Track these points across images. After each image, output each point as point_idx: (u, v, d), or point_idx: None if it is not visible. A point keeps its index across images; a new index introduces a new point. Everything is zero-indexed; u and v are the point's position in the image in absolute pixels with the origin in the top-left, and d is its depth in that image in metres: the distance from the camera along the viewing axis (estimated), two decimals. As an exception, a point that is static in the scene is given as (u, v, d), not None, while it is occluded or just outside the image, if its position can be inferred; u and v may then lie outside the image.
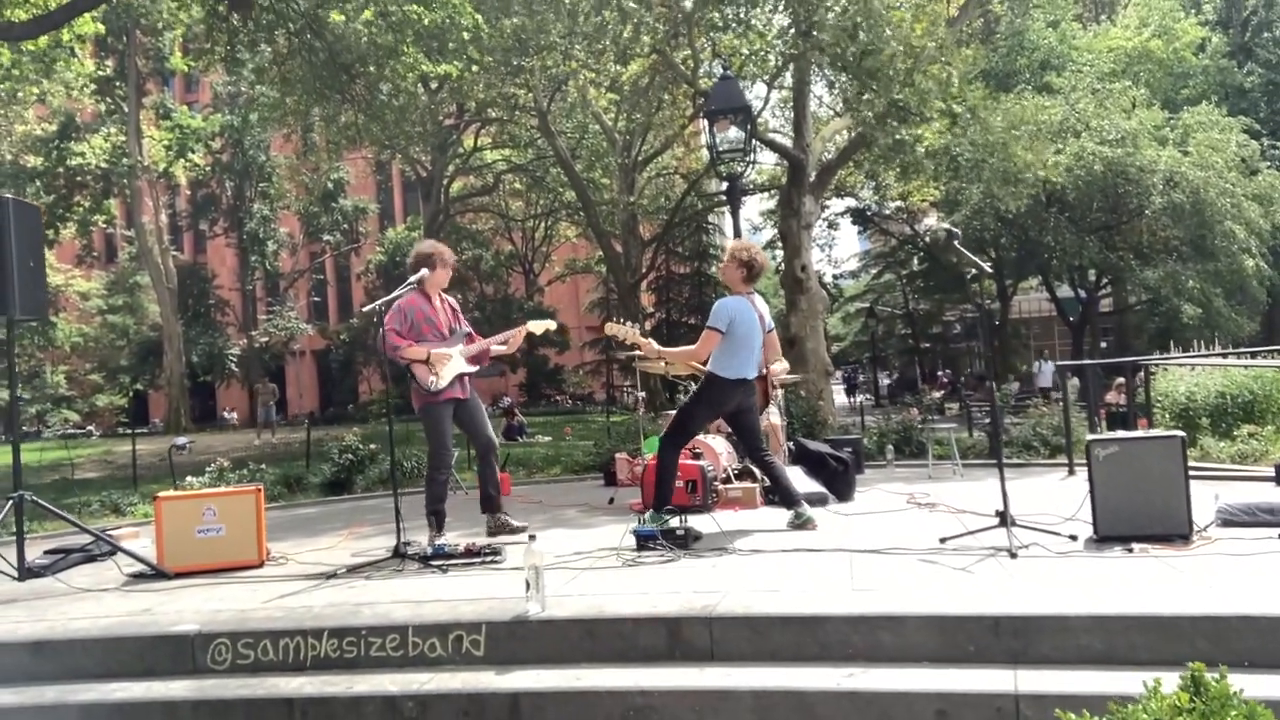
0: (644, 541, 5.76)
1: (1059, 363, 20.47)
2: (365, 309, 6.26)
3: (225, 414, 44.08)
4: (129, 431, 32.58)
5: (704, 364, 6.61)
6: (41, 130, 33.30)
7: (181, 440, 23.78)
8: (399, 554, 5.78)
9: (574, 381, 47.47)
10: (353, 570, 5.72)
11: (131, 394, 45.77)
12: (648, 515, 6.32)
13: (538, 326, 6.72)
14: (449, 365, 6.38)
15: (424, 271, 6.35)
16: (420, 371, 6.27)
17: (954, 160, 16.11)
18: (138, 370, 43.87)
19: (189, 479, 10.84)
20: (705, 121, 11.38)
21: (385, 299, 6.16)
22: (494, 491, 6.73)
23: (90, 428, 41.29)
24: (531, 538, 4.46)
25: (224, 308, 46.65)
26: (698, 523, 6.23)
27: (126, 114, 33.40)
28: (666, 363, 7.49)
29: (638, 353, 7.09)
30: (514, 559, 5.61)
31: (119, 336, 44.61)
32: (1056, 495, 7.10)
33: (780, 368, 7.47)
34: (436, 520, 6.45)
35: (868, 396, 41.60)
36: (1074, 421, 10.08)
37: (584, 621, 4.32)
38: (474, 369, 6.55)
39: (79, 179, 33.92)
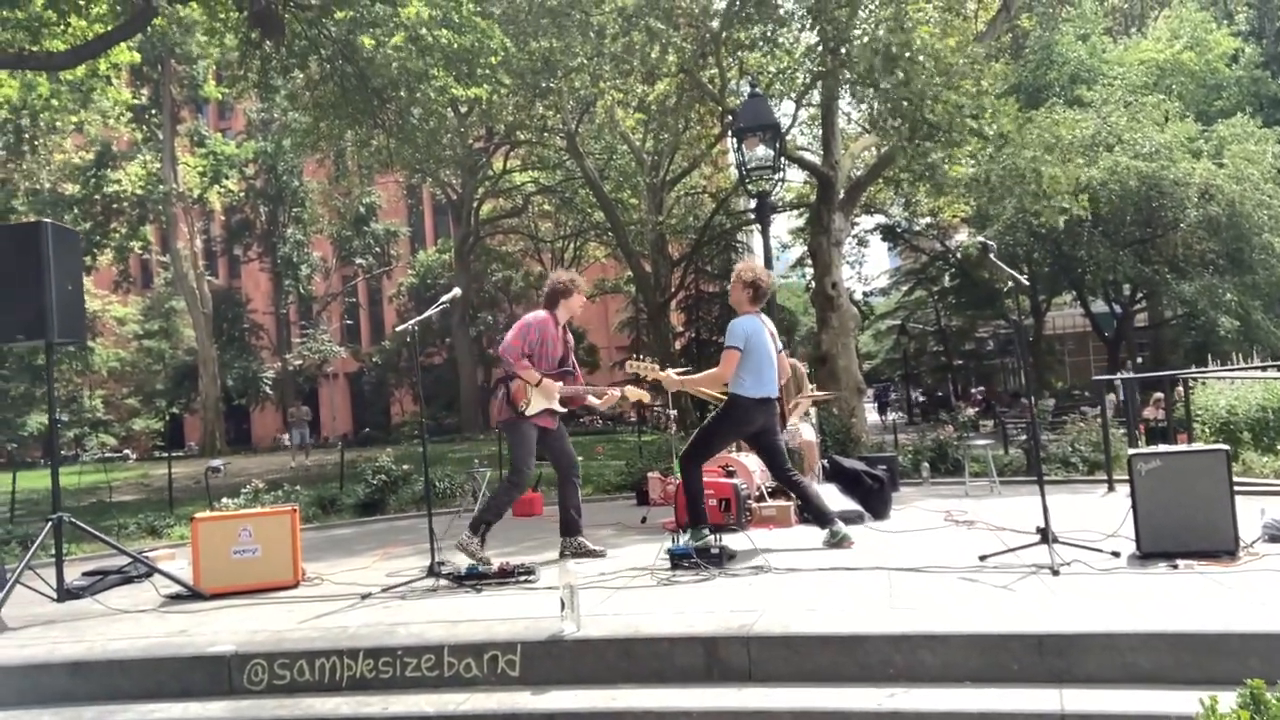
0: (678, 560, 5.72)
1: (1095, 377, 20.23)
2: (398, 329, 6.31)
3: (278, 435, 43.85)
4: (165, 455, 32.96)
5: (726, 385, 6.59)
6: (79, 159, 33.89)
7: (216, 463, 24.01)
8: (433, 573, 5.77)
9: (604, 401, 47.41)
10: (387, 590, 5.72)
11: (167, 418, 46.31)
12: (686, 534, 6.28)
13: (633, 394, 6.79)
14: (544, 398, 6.42)
15: (456, 292, 6.39)
16: (518, 390, 6.32)
17: (986, 180, 15.95)
18: (173, 394, 44.42)
19: (224, 500, 10.90)
20: (734, 139, 11.35)
21: (417, 319, 6.16)
22: (576, 515, 6.62)
23: (127, 451, 41.78)
24: (564, 557, 4.43)
25: (258, 331, 47.16)
26: (732, 541, 6.19)
27: (161, 141, 33.96)
28: (707, 390, 7.41)
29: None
30: (548, 579, 5.59)
31: (155, 361, 45.18)
32: (1097, 512, 6.99)
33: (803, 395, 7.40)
34: (485, 529, 6.39)
35: (900, 414, 41.30)
36: (1112, 437, 9.94)
37: (620, 641, 4.28)
38: (562, 410, 6.62)
39: (115, 206, 34.48)
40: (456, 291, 6.39)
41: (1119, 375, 15.05)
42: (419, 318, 6.15)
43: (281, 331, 46.85)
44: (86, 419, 43.26)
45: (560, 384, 6.51)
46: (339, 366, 48.28)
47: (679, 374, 6.80)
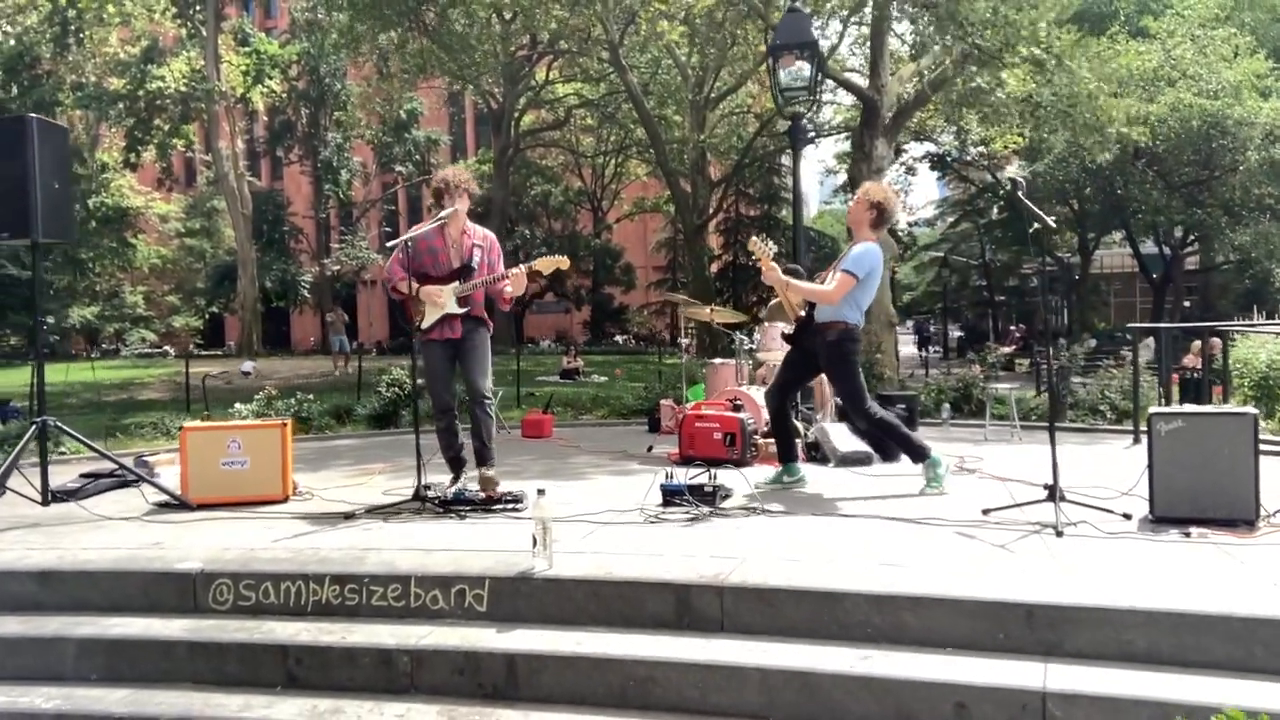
0: (670, 497, 5.53)
1: (1137, 325, 19.64)
2: (390, 244, 6.00)
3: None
4: (202, 353, 33.30)
5: (797, 314, 6.26)
6: (124, 54, 33.62)
7: (246, 365, 24.20)
8: (419, 497, 5.64)
9: (638, 321, 47.31)
10: (372, 511, 5.60)
11: (207, 316, 46.80)
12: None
13: (546, 265, 5.96)
14: (434, 307, 5.89)
15: (451, 210, 5.89)
16: (409, 308, 5.89)
17: (1036, 108, 15.23)
18: (213, 293, 44.78)
19: (237, 406, 10.89)
20: (771, 58, 10.87)
21: (407, 235, 5.86)
22: (485, 443, 6.02)
23: (166, 348, 42.35)
24: (540, 492, 4.25)
25: (297, 235, 47.21)
26: (729, 479, 5.93)
27: (205, 38, 33.53)
28: (795, 299, 6.40)
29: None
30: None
31: (196, 259, 45.52)
32: (1118, 465, 6.68)
33: None
34: (454, 465, 6.17)
35: (937, 349, 40.74)
36: (1144, 386, 9.57)
37: (590, 582, 4.10)
38: (460, 310, 5.94)
39: (159, 103, 34.24)
40: (451, 209, 5.91)
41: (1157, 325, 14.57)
42: (409, 234, 5.82)
43: (321, 236, 46.87)
44: (127, 314, 43.85)
45: (453, 285, 5.89)
46: (377, 274, 48.30)
47: (785, 272, 6.23)
